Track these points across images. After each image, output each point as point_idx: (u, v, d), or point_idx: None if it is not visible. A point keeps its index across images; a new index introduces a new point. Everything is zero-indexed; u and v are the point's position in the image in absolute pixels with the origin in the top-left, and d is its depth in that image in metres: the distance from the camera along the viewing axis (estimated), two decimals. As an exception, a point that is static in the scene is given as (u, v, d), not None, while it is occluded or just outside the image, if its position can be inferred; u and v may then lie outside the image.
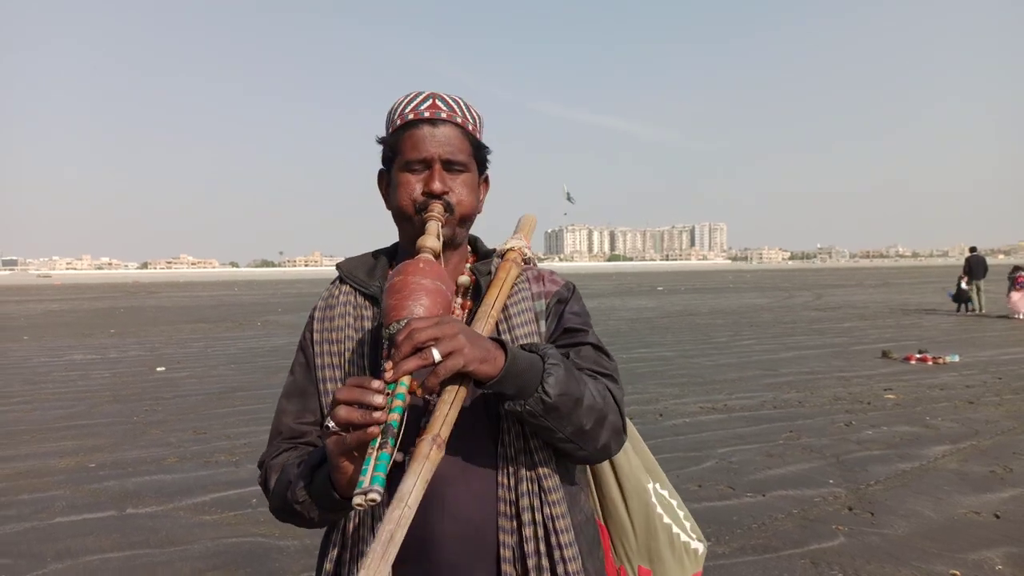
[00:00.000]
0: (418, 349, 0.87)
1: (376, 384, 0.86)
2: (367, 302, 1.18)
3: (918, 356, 10.06)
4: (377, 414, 0.83)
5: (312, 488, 0.99)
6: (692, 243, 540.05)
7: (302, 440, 1.17)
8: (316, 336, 1.20)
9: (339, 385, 1.13)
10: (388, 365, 0.88)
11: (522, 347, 1.01)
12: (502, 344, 0.96)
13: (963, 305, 18.47)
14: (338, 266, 1.25)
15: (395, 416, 0.84)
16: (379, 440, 0.83)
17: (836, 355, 10.77)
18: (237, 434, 6.39)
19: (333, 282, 1.25)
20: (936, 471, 4.95)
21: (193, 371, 10.41)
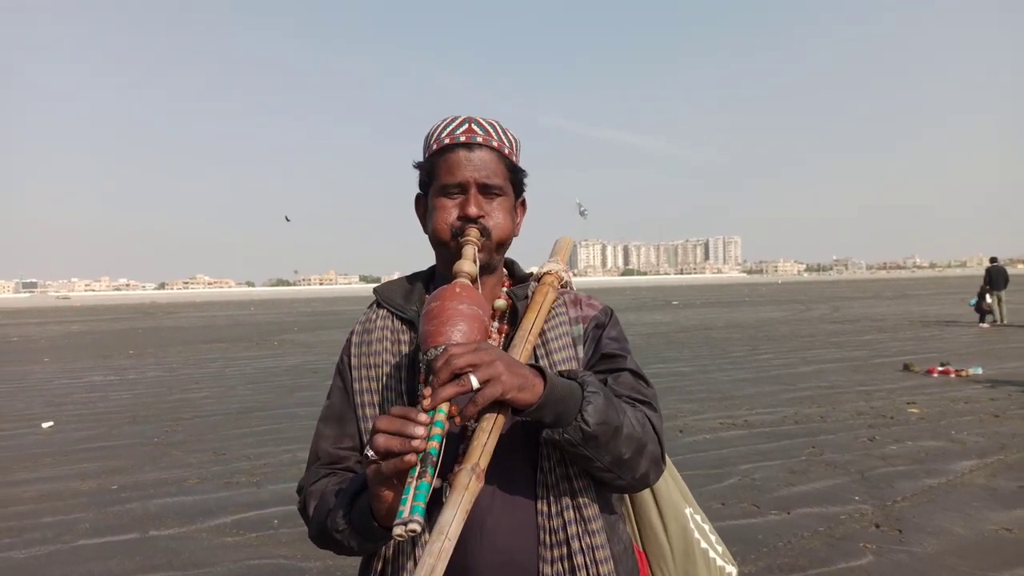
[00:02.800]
0: (456, 376, 0.87)
1: (416, 413, 0.85)
2: (404, 326, 1.18)
3: (940, 369, 9.91)
4: (416, 442, 0.83)
5: (352, 517, 0.98)
6: (706, 257, 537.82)
7: (340, 465, 1.17)
8: (354, 361, 1.20)
9: (376, 410, 1.13)
10: (426, 392, 0.88)
11: (560, 374, 1.01)
12: (540, 371, 0.95)
13: (984, 316, 18.19)
14: (375, 290, 1.25)
15: (434, 444, 0.84)
16: (418, 469, 0.83)
17: (856, 369, 10.65)
18: (257, 454, 6.41)
19: (370, 306, 1.25)
20: (964, 486, 4.87)
21: (211, 391, 10.47)
